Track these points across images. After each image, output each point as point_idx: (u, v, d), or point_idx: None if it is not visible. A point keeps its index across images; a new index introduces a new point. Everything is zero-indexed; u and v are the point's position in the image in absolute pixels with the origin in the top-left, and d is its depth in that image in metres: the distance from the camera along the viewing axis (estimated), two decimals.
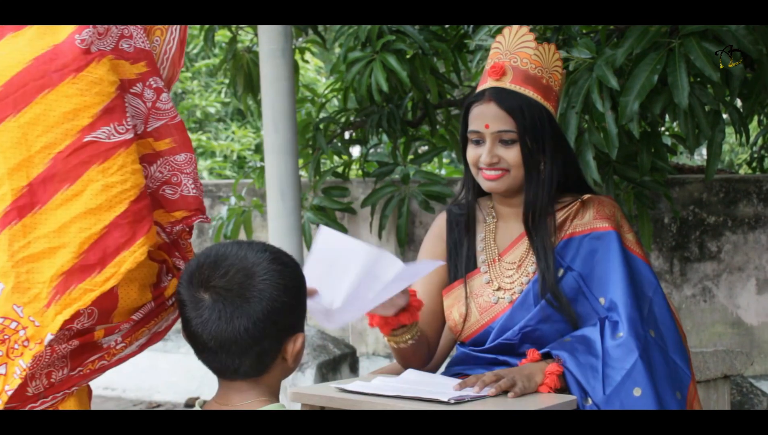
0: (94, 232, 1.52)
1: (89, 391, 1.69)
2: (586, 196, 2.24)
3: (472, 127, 2.22)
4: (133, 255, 1.54)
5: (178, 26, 1.74)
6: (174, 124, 1.70)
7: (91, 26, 1.60)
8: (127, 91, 1.64)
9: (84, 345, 1.56)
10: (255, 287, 1.53)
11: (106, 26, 1.62)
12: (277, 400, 1.61)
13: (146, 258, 1.58)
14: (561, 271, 2.17)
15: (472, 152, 2.23)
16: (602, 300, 2.14)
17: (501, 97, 2.18)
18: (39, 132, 1.54)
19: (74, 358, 1.56)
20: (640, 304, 2.11)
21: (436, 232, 2.38)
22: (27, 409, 1.54)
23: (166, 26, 1.73)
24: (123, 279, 1.55)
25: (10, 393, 1.51)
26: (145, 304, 1.61)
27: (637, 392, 1.99)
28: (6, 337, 1.51)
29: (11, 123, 1.54)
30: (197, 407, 1.63)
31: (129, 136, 1.58)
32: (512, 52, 2.22)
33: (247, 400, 1.58)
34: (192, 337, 1.57)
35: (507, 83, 2.20)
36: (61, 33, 1.61)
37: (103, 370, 1.61)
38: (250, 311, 1.52)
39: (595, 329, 2.09)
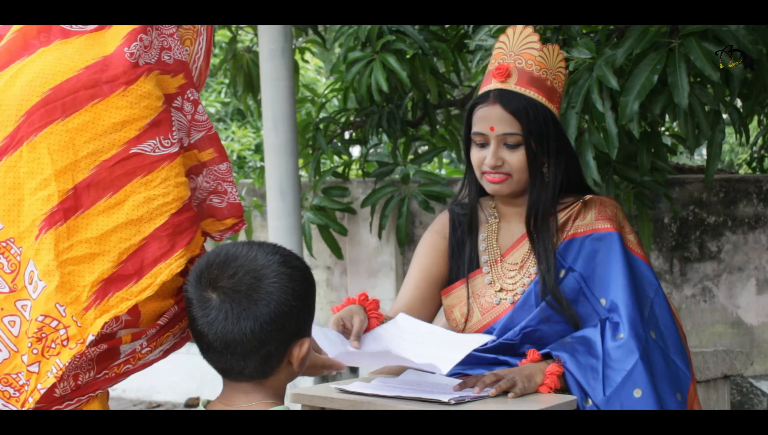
0: (133, 243, 1.55)
1: (107, 393, 1.71)
2: (587, 197, 2.24)
3: (476, 129, 2.20)
4: (170, 267, 1.57)
5: (205, 33, 1.77)
6: (211, 135, 1.73)
7: (138, 39, 1.63)
8: (170, 105, 1.66)
9: (111, 349, 1.58)
10: (263, 290, 1.52)
11: (150, 38, 1.65)
12: (282, 403, 1.61)
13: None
14: (562, 272, 2.17)
15: (476, 155, 2.22)
16: (603, 301, 2.14)
17: (506, 99, 2.17)
18: (86, 138, 1.56)
19: (100, 362, 1.58)
20: (641, 306, 2.11)
21: (438, 228, 2.37)
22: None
23: (195, 34, 1.76)
24: None
25: (43, 392, 1.52)
26: (168, 309, 1.62)
27: (637, 393, 1.99)
28: (44, 335, 1.53)
29: (59, 126, 1.56)
30: (201, 408, 1.63)
31: (174, 149, 1.61)
32: (517, 53, 2.21)
33: (251, 401, 1.57)
34: (198, 336, 1.56)
35: (512, 85, 2.18)
36: (110, 44, 1.64)
37: (128, 374, 1.63)
38: (257, 313, 1.51)
39: (596, 330, 2.09)
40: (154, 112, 1.60)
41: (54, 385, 1.53)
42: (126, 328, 1.58)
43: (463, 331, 2.26)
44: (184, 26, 1.74)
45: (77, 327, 1.52)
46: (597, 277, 2.16)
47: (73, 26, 1.65)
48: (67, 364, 1.52)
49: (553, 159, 2.19)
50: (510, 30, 2.24)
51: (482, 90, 2.24)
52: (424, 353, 2.02)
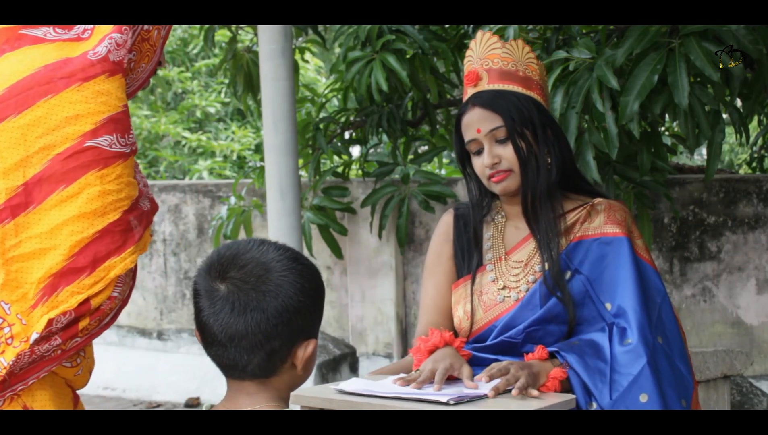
0: (85, 235, 1.53)
1: (75, 395, 1.70)
2: (597, 200, 2.24)
3: (466, 137, 2.23)
4: (123, 262, 1.56)
5: (156, 56, 1.75)
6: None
7: (107, 39, 1.62)
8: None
9: (66, 339, 1.56)
10: (272, 282, 1.52)
11: (125, 38, 1.63)
12: (287, 406, 1.60)
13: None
14: (568, 274, 2.16)
15: (477, 163, 2.24)
16: (609, 305, 2.13)
17: (483, 99, 2.21)
18: (39, 133, 1.55)
19: (56, 349, 1.56)
20: (650, 311, 2.11)
21: (442, 231, 2.37)
22: None
23: (153, 53, 1.73)
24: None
25: None
26: (117, 280, 1.60)
27: (643, 398, 1.99)
28: None
29: (11, 123, 1.55)
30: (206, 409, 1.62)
31: (128, 150, 1.61)
32: (482, 57, 2.26)
33: (255, 404, 1.56)
34: (202, 328, 1.56)
35: (485, 86, 2.23)
36: (78, 49, 1.63)
37: (76, 347, 1.60)
38: (265, 306, 1.51)
39: (604, 335, 2.09)
40: (113, 110, 1.59)
41: (3, 378, 1.52)
42: (78, 319, 1.56)
43: (465, 328, 2.26)
44: (150, 41, 1.73)
45: (21, 325, 1.51)
46: (604, 281, 2.15)
47: (51, 34, 1.64)
48: (11, 363, 1.50)
49: (542, 142, 2.20)
50: (473, 41, 2.30)
51: (463, 102, 2.28)
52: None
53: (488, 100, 2.20)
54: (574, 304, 2.14)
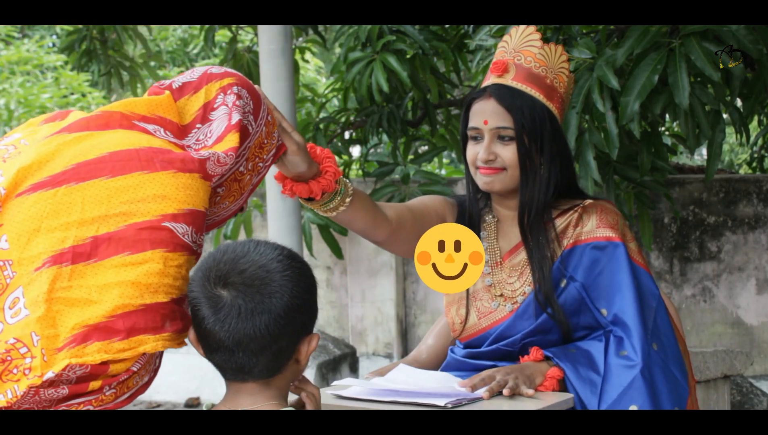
0: (132, 303, 1.55)
1: None
2: (587, 202, 2.20)
3: (471, 123, 2.18)
4: (156, 342, 1.57)
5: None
6: None
7: (210, 151, 1.68)
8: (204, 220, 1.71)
9: (73, 394, 1.57)
10: (276, 283, 1.52)
11: (224, 159, 1.69)
12: (286, 404, 1.60)
13: None
14: (563, 282, 2.13)
15: (471, 150, 2.19)
16: (604, 311, 2.11)
17: (501, 93, 2.15)
18: (124, 199, 1.59)
19: (60, 400, 1.57)
20: (646, 319, 2.08)
21: (441, 202, 2.29)
22: None
23: (240, 194, 1.82)
24: None
25: None
26: (141, 357, 1.61)
27: (633, 408, 1.98)
28: (9, 358, 1.52)
29: (102, 182, 1.60)
30: (206, 409, 1.62)
31: (195, 248, 1.64)
32: (517, 50, 2.19)
33: (256, 403, 1.56)
34: (205, 336, 1.55)
35: (509, 80, 2.16)
36: (181, 149, 1.70)
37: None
38: (271, 307, 1.51)
39: (600, 345, 2.07)
40: (196, 205, 1.64)
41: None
42: (91, 378, 1.56)
43: (460, 333, 2.25)
44: (241, 183, 1.80)
45: (42, 361, 1.51)
46: (599, 286, 2.13)
47: (161, 133, 1.71)
48: (21, 394, 1.51)
49: (547, 157, 2.16)
50: (513, 29, 2.22)
51: (482, 87, 2.22)
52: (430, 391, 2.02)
53: (506, 97, 2.14)
54: (570, 312, 2.12)
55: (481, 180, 2.18)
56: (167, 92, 1.76)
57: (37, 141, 1.67)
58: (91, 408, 1.59)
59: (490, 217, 2.27)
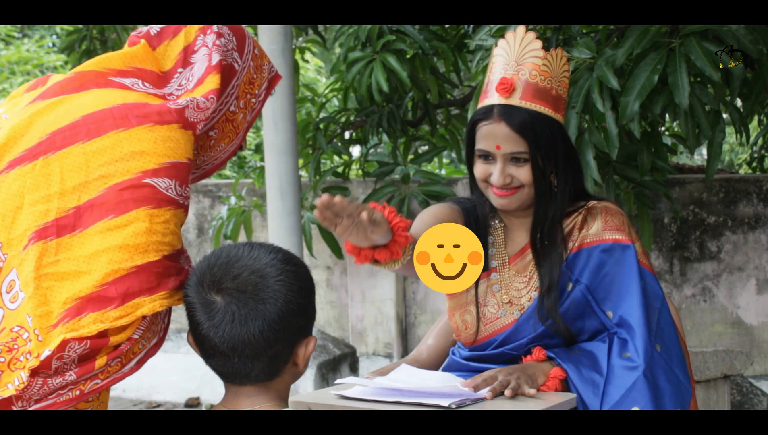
0: (122, 267, 1.52)
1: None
2: (590, 204, 2.18)
3: (480, 146, 2.11)
4: (153, 303, 1.54)
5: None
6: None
7: (189, 99, 1.64)
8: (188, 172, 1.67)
9: (82, 377, 1.54)
10: (269, 288, 1.51)
11: (205, 104, 1.65)
12: (286, 405, 1.60)
13: None
14: (570, 286, 2.11)
15: (480, 168, 2.13)
16: (610, 314, 2.09)
17: (511, 116, 2.07)
18: (102, 162, 1.56)
19: (70, 385, 1.54)
20: (650, 321, 2.07)
21: (446, 209, 2.25)
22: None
23: (236, 134, 1.77)
24: None
25: None
26: (141, 322, 1.59)
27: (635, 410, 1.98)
28: (16, 346, 1.51)
29: (78, 148, 1.57)
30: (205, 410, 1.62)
31: (182, 202, 1.61)
32: (519, 62, 2.10)
33: (254, 405, 1.56)
34: (201, 341, 1.54)
35: (517, 100, 2.08)
36: (160, 101, 1.65)
37: (96, 390, 1.58)
38: (265, 313, 1.49)
39: (604, 346, 2.07)
40: (177, 157, 1.60)
41: (10, 401, 1.50)
42: (93, 354, 1.53)
43: (465, 338, 2.23)
44: (234, 123, 1.75)
45: (37, 341, 1.49)
46: (604, 288, 2.11)
47: (138, 86, 1.67)
48: (27, 380, 1.48)
49: (561, 170, 2.12)
50: (509, 35, 2.13)
51: (484, 101, 2.14)
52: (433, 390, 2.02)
53: (518, 123, 2.07)
54: (575, 316, 2.11)
55: (497, 201, 2.14)
56: (143, 41, 1.71)
57: (15, 113, 1.64)
58: (99, 383, 1.56)
59: (497, 221, 2.24)
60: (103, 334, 1.52)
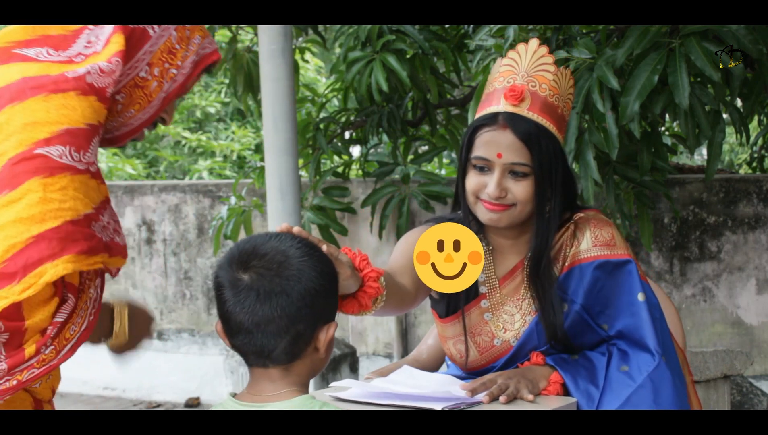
0: (18, 240, 1.49)
1: (37, 401, 1.66)
2: (576, 217, 2.11)
3: (479, 153, 2.03)
4: (56, 268, 1.50)
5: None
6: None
7: (90, 64, 1.61)
8: (97, 135, 1.62)
9: (14, 366, 1.51)
10: (293, 267, 1.58)
11: (109, 68, 1.63)
12: (307, 392, 1.64)
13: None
14: (565, 306, 2.07)
15: (474, 180, 2.05)
16: (605, 326, 2.07)
17: (518, 124, 2.00)
18: None
19: (4, 376, 1.50)
20: (657, 333, 2.03)
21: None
22: None
23: (148, 102, 1.73)
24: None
25: None
26: (62, 304, 1.56)
27: None
28: None
29: None
30: (229, 398, 1.63)
31: (81, 167, 1.57)
32: (530, 74, 2.05)
33: (278, 389, 1.60)
34: (227, 319, 1.60)
35: (524, 110, 2.02)
36: (62, 68, 1.62)
37: (33, 379, 1.54)
38: (288, 290, 1.56)
39: (603, 359, 2.04)
40: (72, 123, 1.56)
41: None
42: (12, 341, 1.50)
43: (463, 366, 2.20)
44: (145, 90, 1.71)
45: None
46: (600, 304, 2.07)
47: (43, 55, 1.64)
48: None
49: (558, 192, 2.06)
50: (521, 46, 2.07)
51: (487, 109, 2.06)
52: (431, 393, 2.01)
53: (525, 133, 2.00)
54: (574, 335, 2.08)
55: (486, 215, 2.06)
56: None
57: None
58: (35, 371, 1.53)
59: (483, 244, 2.10)
60: (17, 317, 1.49)
